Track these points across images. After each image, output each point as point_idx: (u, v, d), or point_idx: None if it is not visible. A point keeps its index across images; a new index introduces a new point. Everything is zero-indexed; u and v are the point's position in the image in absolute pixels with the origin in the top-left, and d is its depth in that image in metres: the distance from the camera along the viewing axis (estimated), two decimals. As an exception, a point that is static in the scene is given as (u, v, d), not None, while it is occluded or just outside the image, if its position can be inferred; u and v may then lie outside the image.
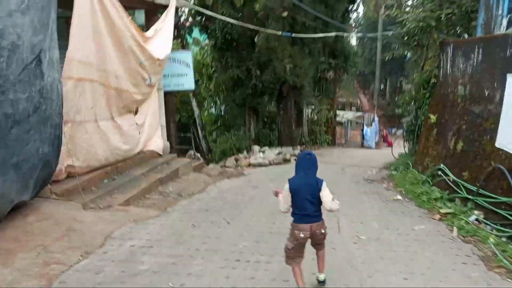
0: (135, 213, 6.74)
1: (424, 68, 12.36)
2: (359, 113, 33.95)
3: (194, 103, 18.26)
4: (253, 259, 4.97)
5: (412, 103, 13.43)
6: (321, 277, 4.12)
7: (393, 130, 37.75)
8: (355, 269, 4.75)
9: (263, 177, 11.01)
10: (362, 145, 28.25)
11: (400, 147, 27.62)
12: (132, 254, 5.03)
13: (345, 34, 21.24)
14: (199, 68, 19.94)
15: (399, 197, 8.68)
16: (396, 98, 46.59)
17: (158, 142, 10.34)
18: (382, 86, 45.66)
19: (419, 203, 8.12)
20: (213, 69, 19.25)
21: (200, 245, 5.38)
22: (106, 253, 5.03)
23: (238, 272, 4.60)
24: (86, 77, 7.27)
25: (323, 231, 3.89)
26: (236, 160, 13.61)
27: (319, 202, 3.82)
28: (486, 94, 7.22)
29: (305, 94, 18.68)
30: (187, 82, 12.38)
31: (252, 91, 16.84)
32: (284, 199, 3.93)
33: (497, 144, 6.56)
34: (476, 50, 7.84)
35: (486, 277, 4.60)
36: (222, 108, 20.24)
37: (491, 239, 5.74)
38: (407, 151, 15.44)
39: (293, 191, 3.82)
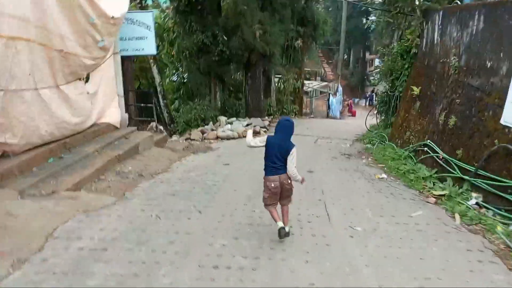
0: (86, 201, 5.51)
1: (403, 37, 11.48)
2: (324, 83, 33.20)
3: (155, 70, 16.71)
4: (235, 264, 3.95)
5: (389, 74, 12.62)
6: (287, 228, 4.55)
7: (356, 100, 37.54)
8: (359, 274, 3.86)
9: (234, 152, 9.94)
10: (327, 115, 27.67)
11: (363, 118, 27.42)
12: (80, 261, 3.86)
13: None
14: (160, 32, 18.22)
15: (383, 175, 7.91)
16: (358, 68, 46.38)
17: (114, 113, 8.96)
18: (345, 56, 45.10)
19: (407, 182, 7.39)
20: (175, 34, 17.56)
21: (167, 245, 4.29)
22: (46, 261, 3.84)
23: (218, 283, 3.59)
24: (21, 36, 5.81)
25: (289, 181, 4.44)
26: (203, 132, 12.41)
27: (285, 162, 4.37)
28: (489, 65, 6.40)
29: (274, 62, 17.49)
30: (148, 46, 10.88)
31: (219, 59, 15.45)
32: (260, 140, 4.56)
33: (502, 121, 5.79)
34: (477, 17, 6.97)
35: (511, 280, 3.87)
36: (186, 75, 18.69)
37: (499, 228, 5.05)
38: (379, 123, 14.83)
39: (269, 145, 4.43)
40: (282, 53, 19.85)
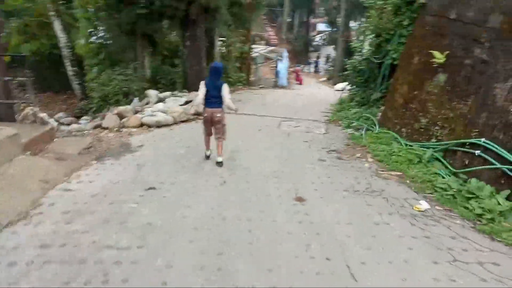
0: None
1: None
2: (270, 47, 29.32)
3: (57, 26, 11.92)
4: None
5: (374, 35, 9.13)
6: (219, 159, 5.65)
7: (301, 66, 34.36)
8: None
9: (166, 156, 6.01)
10: (276, 84, 24.05)
11: (311, 86, 23.92)
12: None
13: None
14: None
15: (424, 204, 4.51)
16: (302, 32, 42.85)
17: None
18: (289, 20, 41.30)
19: (470, 217, 4.07)
20: (86, -23, 12.72)
21: None
22: None
23: None
24: None
25: (218, 115, 5.43)
26: (121, 116, 8.26)
27: (220, 97, 5.35)
28: None
29: (220, 19, 13.30)
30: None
31: (146, 12, 11.06)
32: (202, 93, 5.37)
33: None
34: None
35: None
36: (104, 35, 13.95)
37: None
38: (352, 98, 11.49)
39: (207, 87, 5.35)
40: (228, 10, 15.63)
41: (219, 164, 5.57)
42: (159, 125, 8.03)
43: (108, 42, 13.05)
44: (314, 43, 43.43)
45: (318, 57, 38.49)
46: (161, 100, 10.76)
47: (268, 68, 27.79)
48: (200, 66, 12.74)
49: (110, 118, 8.09)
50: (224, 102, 5.31)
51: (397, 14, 8.45)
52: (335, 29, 34.89)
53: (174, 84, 13.90)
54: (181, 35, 12.84)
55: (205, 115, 5.47)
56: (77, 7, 14.70)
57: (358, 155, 6.64)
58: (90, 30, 15.33)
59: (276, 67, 24.85)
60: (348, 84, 11.86)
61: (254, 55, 25.24)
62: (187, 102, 10.19)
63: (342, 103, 11.51)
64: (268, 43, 34.56)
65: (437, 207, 4.41)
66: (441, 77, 6.20)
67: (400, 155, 6.12)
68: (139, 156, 5.90)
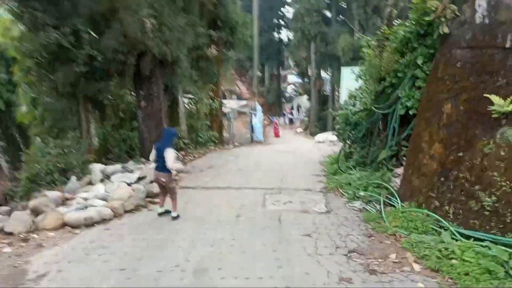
0: None
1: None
2: (243, 102, 27.47)
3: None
4: None
5: (377, 76, 7.05)
6: (173, 214, 5.69)
7: (277, 119, 32.78)
8: None
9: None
10: (252, 140, 21.86)
11: (290, 140, 22.31)
12: None
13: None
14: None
15: None
16: (274, 85, 41.81)
17: None
18: (259, 73, 40.29)
19: None
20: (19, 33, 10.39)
21: None
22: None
23: None
24: None
25: (163, 179, 5.59)
26: (37, 212, 5.56)
27: (164, 161, 5.49)
28: None
29: (182, 74, 11.11)
30: None
31: (87, 70, 8.75)
32: (151, 157, 5.83)
33: None
34: None
35: None
36: (40, 98, 11.41)
37: None
38: (345, 156, 9.23)
39: (156, 150, 5.65)
40: (192, 64, 13.55)
41: (175, 218, 5.65)
42: (90, 223, 5.38)
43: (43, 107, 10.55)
44: (286, 94, 42.43)
45: (292, 108, 37.17)
46: (108, 176, 8.19)
47: (241, 122, 25.78)
48: (159, 128, 10.31)
49: (17, 217, 5.40)
50: (167, 166, 5.45)
51: (404, 52, 6.43)
52: (306, 80, 33.85)
53: (133, 150, 11.44)
54: (136, 93, 10.52)
55: (154, 177, 5.82)
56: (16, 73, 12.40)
57: (393, 257, 4.19)
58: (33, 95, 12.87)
59: (250, 121, 22.83)
60: (341, 140, 9.66)
61: (226, 110, 23.21)
62: (140, 179, 7.64)
63: (335, 163, 9.19)
64: (240, 97, 32.92)
65: None
66: (510, 132, 3.97)
67: (466, 261, 3.71)
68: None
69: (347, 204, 6.40)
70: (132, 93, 11.50)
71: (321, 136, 20.48)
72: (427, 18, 5.56)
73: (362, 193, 6.60)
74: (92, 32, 8.52)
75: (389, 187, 6.18)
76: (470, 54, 4.88)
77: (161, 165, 5.49)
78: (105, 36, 8.49)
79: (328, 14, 31.97)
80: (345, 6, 30.19)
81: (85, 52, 8.50)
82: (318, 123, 30.21)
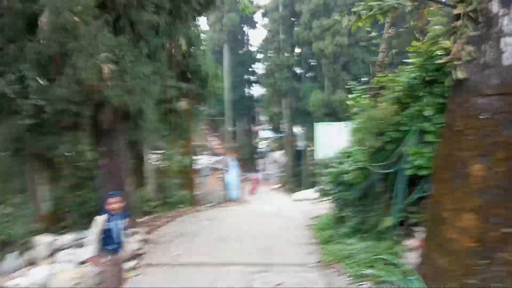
0: None
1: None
2: (217, 157, 26.22)
3: None
4: None
5: (376, 130, 6.01)
6: None
7: (254, 175, 31.68)
8: None
9: None
10: (226, 199, 20.35)
11: (266, 197, 21.22)
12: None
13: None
14: None
15: None
16: (246, 140, 41.09)
17: None
18: (232, 129, 39.65)
19: None
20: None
21: None
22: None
23: None
24: None
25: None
26: None
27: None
28: None
29: (147, 127, 9.84)
30: None
31: (35, 123, 7.38)
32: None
33: None
34: None
35: None
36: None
37: None
38: (341, 221, 7.95)
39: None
40: (161, 118, 12.34)
41: None
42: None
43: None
44: (260, 150, 41.70)
45: (264, 163, 36.24)
46: (58, 250, 6.58)
47: (215, 179, 24.33)
48: (122, 189, 8.79)
49: None
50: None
51: (406, 102, 5.48)
52: (280, 135, 33.39)
53: (90, 215, 9.74)
54: (95, 150, 9.10)
55: None
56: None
57: None
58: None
59: (224, 178, 21.47)
60: (332, 202, 8.42)
61: (198, 167, 21.81)
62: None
63: (326, 229, 7.87)
64: (213, 153, 31.72)
65: None
66: None
67: None
68: None
69: (353, 286, 5.05)
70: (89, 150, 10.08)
71: (299, 194, 19.31)
72: (437, 62, 4.64)
73: (367, 271, 5.28)
74: (39, 80, 7.26)
75: (404, 265, 4.91)
76: (500, 102, 3.92)
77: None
78: (55, 84, 7.22)
79: (299, 70, 32.33)
80: (315, 63, 30.61)
81: (32, 102, 7.18)
82: (294, 178, 29.22)
